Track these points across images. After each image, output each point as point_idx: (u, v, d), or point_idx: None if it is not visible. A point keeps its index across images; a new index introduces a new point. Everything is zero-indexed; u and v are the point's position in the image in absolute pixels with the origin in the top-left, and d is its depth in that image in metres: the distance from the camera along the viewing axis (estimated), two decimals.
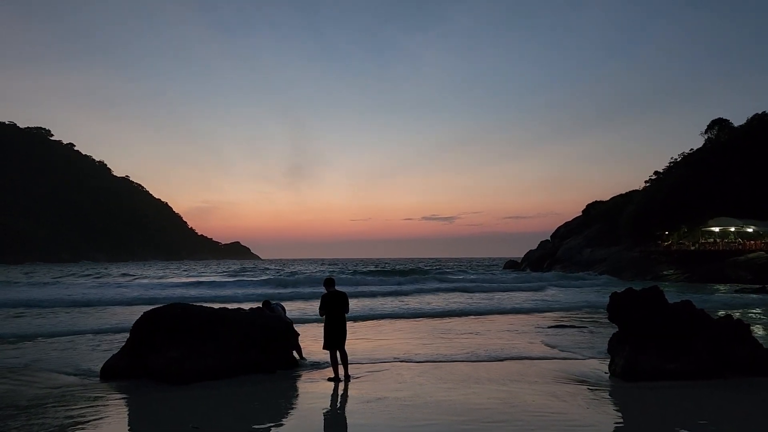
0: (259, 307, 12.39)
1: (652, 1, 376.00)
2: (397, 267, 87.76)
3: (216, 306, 11.57)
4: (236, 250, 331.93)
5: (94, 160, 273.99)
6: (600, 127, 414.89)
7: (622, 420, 7.39)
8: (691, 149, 70.12)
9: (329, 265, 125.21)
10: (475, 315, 23.19)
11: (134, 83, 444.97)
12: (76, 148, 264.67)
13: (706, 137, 72.49)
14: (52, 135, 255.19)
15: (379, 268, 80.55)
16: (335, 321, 9.93)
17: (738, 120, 68.84)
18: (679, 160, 70.49)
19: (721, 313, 13.79)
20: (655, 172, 74.75)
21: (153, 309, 10.80)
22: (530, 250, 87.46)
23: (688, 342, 10.11)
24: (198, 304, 11.91)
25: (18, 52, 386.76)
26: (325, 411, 8.10)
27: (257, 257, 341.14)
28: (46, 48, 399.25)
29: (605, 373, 10.48)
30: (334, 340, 9.89)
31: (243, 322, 10.89)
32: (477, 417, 7.24)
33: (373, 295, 33.78)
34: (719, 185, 58.30)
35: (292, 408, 8.46)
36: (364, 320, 20.52)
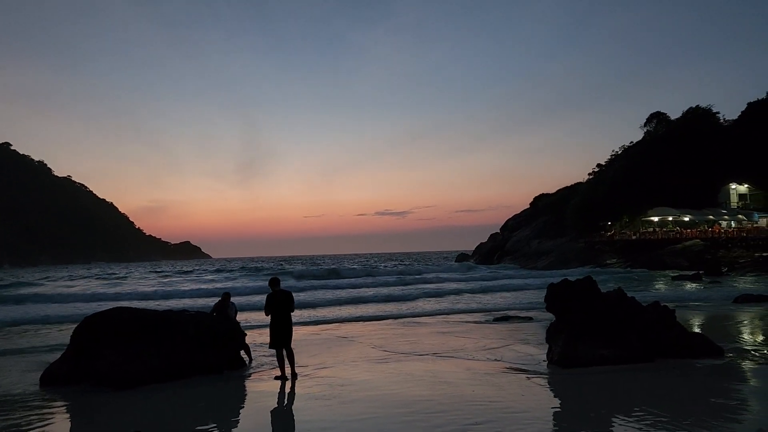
0: (217, 303, 12.34)
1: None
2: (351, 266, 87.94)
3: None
4: (186, 250, 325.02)
5: (33, 159, 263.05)
6: (548, 121, 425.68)
7: (552, 404, 7.78)
8: (631, 142, 72.91)
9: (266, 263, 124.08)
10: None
11: (75, 79, 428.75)
12: (12, 148, 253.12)
13: (645, 130, 75.54)
14: None
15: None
16: (281, 320, 10.00)
17: (675, 113, 71.98)
18: (620, 153, 73.20)
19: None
20: (598, 165, 77.46)
21: (95, 313, 10.60)
22: (481, 243, 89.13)
23: (620, 329, 10.67)
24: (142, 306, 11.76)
25: None
26: (270, 409, 8.18)
27: (208, 256, 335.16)
28: None
29: (543, 361, 10.93)
30: (280, 338, 9.96)
31: (188, 323, 10.82)
32: (417, 409, 7.48)
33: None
34: (657, 176, 60.92)
35: (237, 407, 8.51)
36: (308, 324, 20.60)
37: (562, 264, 58.75)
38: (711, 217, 59.72)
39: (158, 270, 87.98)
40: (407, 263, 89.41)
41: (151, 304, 23.90)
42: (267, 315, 10.11)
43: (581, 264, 57.36)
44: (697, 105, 68.67)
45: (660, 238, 57.59)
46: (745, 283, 33.55)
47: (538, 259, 64.52)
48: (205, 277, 54.92)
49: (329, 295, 31.15)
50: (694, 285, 33.68)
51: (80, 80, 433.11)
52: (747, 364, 10.04)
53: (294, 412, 8.09)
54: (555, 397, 8.43)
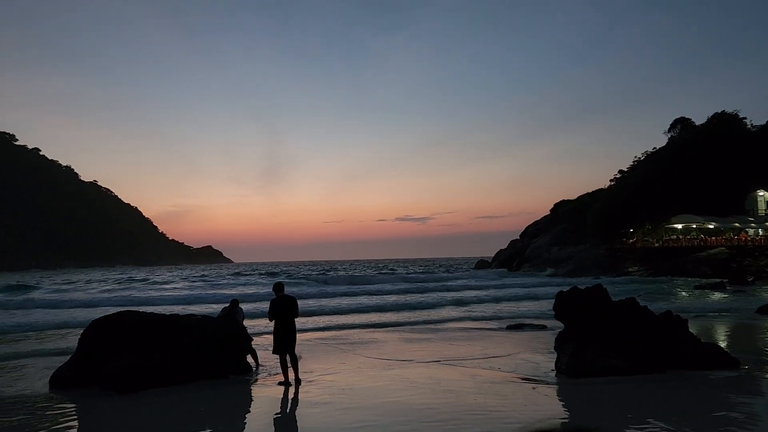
0: (225, 309, 12.44)
1: (614, 5, 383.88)
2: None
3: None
4: (208, 254, 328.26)
5: (60, 165, 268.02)
6: (570, 127, 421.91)
7: (555, 414, 7.60)
8: (654, 148, 71.72)
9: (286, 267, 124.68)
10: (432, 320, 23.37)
11: (102, 87, 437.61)
12: (42, 153, 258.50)
13: (669, 136, 74.32)
14: (16, 140, 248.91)
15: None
16: (284, 325, 9.98)
17: (700, 119, 70.66)
18: (642, 159, 72.05)
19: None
20: (620, 171, 76.36)
21: (102, 317, 10.71)
22: (500, 250, 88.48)
23: (630, 338, 10.43)
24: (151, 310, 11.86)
25: None
26: (269, 414, 8.16)
27: (230, 260, 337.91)
28: (10, 51, 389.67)
29: (552, 370, 10.73)
30: (284, 344, 9.94)
31: (194, 328, 10.86)
32: (417, 417, 7.38)
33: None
34: (681, 183, 59.79)
35: (238, 412, 8.49)
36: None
37: (581, 271, 57.99)
38: (737, 224, 58.41)
39: (182, 275, 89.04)
40: (426, 269, 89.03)
41: (177, 309, 24.11)
42: (270, 320, 10.10)
43: (601, 272, 56.54)
44: (723, 110, 67.35)
45: (683, 246, 56.50)
46: None
47: (557, 267, 63.74)
48: (221, 282, 55.36)
49: (343, 301, 31.14)
50: (717, 294, 32.93)
51: (106, 88, 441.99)
52: (763, 377, 9.73)
53: (292, 418, 8.05)
54: (559, 407, 8.25)
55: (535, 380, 9.95)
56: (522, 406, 7.93)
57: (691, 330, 15.79)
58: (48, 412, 8.33)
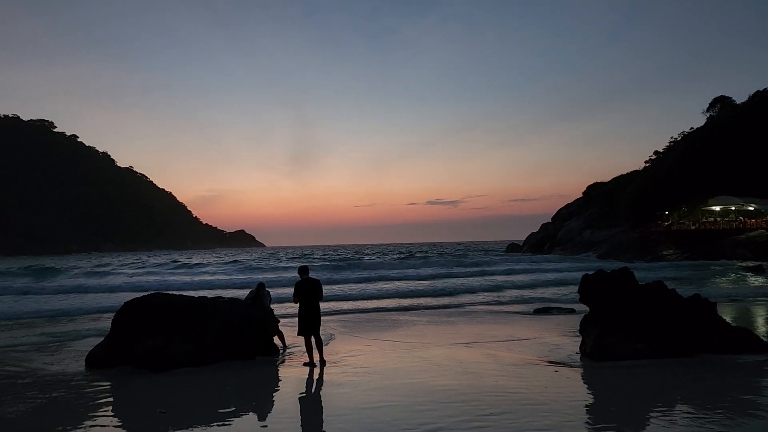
0: (252, 292, 12.71)
1: None
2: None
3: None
4: (241, 238, 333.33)
5: (97, 151, 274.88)
6: (603, 108, 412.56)
7: (575, 397, 7.58)
8: (692, 128, 69.67)
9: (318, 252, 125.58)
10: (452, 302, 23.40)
11: (136, 75, 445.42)
12: (79, 140, 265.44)
13: (708, 116, 72.04)
14: (55, 127, 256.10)
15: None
16: (309, 307, 10.15)
17: (741, 98, 68.22)
18: (679, 139, 70.14)
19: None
20: (655, 152, 74.56)
21: (133, 299, 11.07)
22: (531, 233, 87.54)
23: (656, 322, 10.30)
24: (180, 292, 12.19)
25: (20, 45, 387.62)
26: (292, 395, 8.36)
27: (262, 245, 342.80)
28: (48, 40, 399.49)
29: (576, 353, 10.69)
30: (309, 326, 10.12)
31: (221, 310, 11.14)
32: (436, 398, 7.47)
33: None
34: (720, 164, 58.03)
35: (264, 391, 8.72)
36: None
37: (614, 255, 57.04)
38: None
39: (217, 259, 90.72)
40: (456, 253, 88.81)
41: (205, 292, 24.67)
42: (295, 303, 10.29)
43: (635, 255, 55.50)
44: (765, 88, 64.84)
45: (721, 228, 55.05)
46: None
47: (590, 250, 62.88)
48: (253, 266, 56.22)
49: (371, 285, 31.38)
50: (755, 277, 32.11)
51: (141, 76, 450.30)
52: None
53: (316, 398, 8.24)
54: (580, 389, 8.24)
55: (559, 363, 9.93)
56: (542, 389, 7.95)
57: (724, 314, 15.50)
58: (84, 390, 8.68)
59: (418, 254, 76.95)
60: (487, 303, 22.70)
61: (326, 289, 28.73)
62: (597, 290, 10.82)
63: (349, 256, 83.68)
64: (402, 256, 72.55)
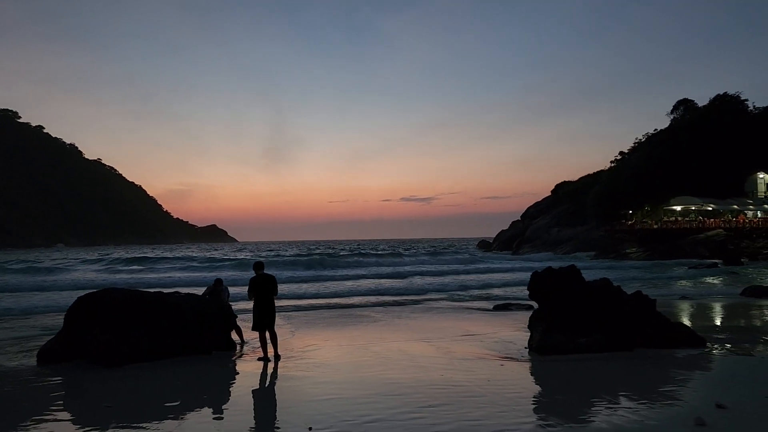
0: (209, 287, 12.76)
1: None
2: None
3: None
4: (213, 233, 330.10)
5: (64, 142, 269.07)
6: (575, 109, 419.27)
7: (515, 389, 7.88)
8: (656, 129, 71.43)
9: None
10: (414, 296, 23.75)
11: (106, 65, 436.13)
12: (45, 131, 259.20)
13: (672, 118, 73.93)
14: (20, 117, 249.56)
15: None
16: (263, 303, 10.31)
17: (704, 101, 70.16)
18: (643, 140, 71.82)
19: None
20: (621, 153, 76.16)
21: (87, 294, 11.05)
22: (501, 230, 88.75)
23: (600, 318, 10.72)
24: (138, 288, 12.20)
25: None
26: (241, 388, 8.53)
27: (234, 240, 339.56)
28: (12, 28, 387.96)
29: (525, 348, 11.05)
30: (263, 321, 10.28)
31: (178, 305, 11.20)
32: (381, 391, 7.71)
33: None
34: (681, 165, 59.72)
35: (216, 386, 8.84)
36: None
37: (580, 253, 58.22)
38: (735, 206, 58.51)
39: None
40: (430, 250, 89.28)
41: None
42: (250, 298, 10.43)
43: (600, 253, 56.79)
44: (725, 92, 66.90)
45: (681, 228, 56.68)
46: (762, 275, 32.96)
47: (556, 248, 64.04)
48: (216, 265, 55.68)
49: (338, 282, 31.56)
50: (708, 275, 33.22)
51: (111, 66, 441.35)
52: (723, 356, 10.02)
53: (265, 391, 8.41)
54: (521, 382, 8.56)
55: (507, 357, 10.27)
56: (485, 382, 8.25)
57: (672, 311, 16.15)
58: (33, 384, 8.69)
59: (390, 251, 77.22)
60: (452, 299, 23.12)
61: (294, 287, 28.93)
62: (545, 286, 11.20)
63: (319, 251, 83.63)
64: (374, 252, 72.74)
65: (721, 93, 66.93)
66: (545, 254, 61.60)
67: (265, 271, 10.61)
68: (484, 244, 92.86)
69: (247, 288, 10.58)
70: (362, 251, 75.97)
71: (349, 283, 30.98)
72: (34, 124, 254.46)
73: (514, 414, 6.53)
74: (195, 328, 11.14)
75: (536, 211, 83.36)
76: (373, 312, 18.54)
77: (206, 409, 7.33)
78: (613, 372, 8.94)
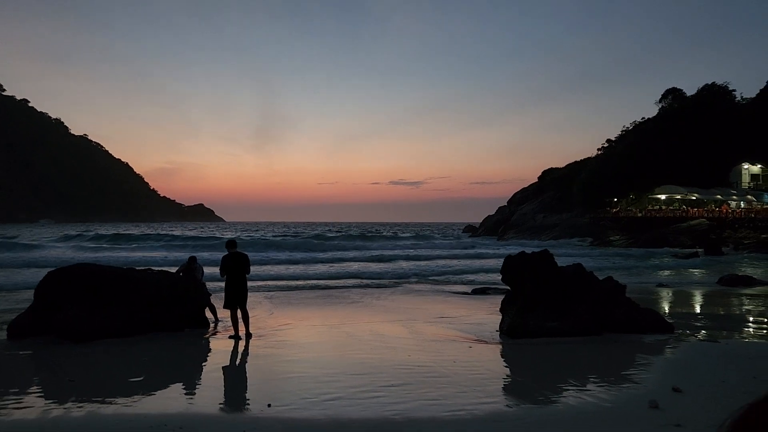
0: (183, 265, 12.70)
1: None
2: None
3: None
4: (200, 213, 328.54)
5: (50, 117, 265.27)
6: (565, 95, 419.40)
7: (478, 370, 7.97)
8: (643, 118, 71.63)
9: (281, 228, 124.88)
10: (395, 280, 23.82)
11: (94, 38, 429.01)
12: (30, 105, 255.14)
13: (660, 107, 74.11)
14: (4, 90, 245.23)
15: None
16: (236, 281, 10.30)
17: (693, 90, 70.35)
18: (631, 128, 72.05)
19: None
20: (608, 140, 76.40)
21: (58, 269, 10.97)
22: (488, 216, 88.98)
23: (571, 302, 10.83)
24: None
25: None
26: (210, 365, 8.55)
27: (221, 220, 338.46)
28: None
29: (496, 331, 11.14)
30: (235, 299, 10.28)
31: (150, 281, 11.17)
32: (346, 371, 7.76)
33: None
34: (668, 153, 60.05)
35: (185, 362, 8.86)
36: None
37: (564, 239, 58.63)
38: (719, 196, 59.03)
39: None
40: (417, 233, 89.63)
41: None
42: (222, 276, 10.41)
43: (583, 240, 57.16)
44: (713, 82, 67.13)
45: (665, 217, 57.12)
46: (741, 265, 33.40)
47: (541, 234, 64.40)
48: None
49: (320, 265, 31.56)
50: (689, 264, 33.60)
51: (99, 41, 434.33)
52: (688, 342, 10.16)
53: (231, 370, 8.42)
54: (486, 364, 8.63)
55: (476, 340, 10.35)
56: (451, 363, 8.32)
57: (647, 298, 16.34)
58: (0, 359, 8.65)
59: (378, 234, 77.36)
60: (433, 283, 23.21)
61: (280, 268, 28.82)
62: (517, 271, 11.28)
63: (305, 232, 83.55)
64: (362, 235, 72.79)
65: (710, 83, 67.18)
66: (534, 241, 62.10)
67: (238, 250, 10.59)
68: (470, 229, 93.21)
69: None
70: (350, 233, 75.96)
71: (334, 265, 30.99)
72: (19, 98, 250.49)
73: (474, 395, 6.60)
74: (167, 305, 11.12)
75: (523, 197, 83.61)
76: (353, 293, 18.58)
77: (173, 385, 7.33)
78: (578, 355, 9.05)
